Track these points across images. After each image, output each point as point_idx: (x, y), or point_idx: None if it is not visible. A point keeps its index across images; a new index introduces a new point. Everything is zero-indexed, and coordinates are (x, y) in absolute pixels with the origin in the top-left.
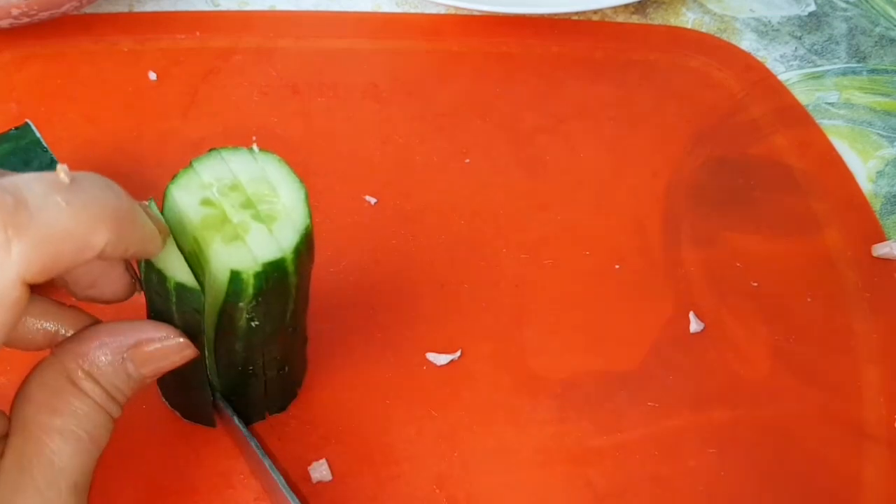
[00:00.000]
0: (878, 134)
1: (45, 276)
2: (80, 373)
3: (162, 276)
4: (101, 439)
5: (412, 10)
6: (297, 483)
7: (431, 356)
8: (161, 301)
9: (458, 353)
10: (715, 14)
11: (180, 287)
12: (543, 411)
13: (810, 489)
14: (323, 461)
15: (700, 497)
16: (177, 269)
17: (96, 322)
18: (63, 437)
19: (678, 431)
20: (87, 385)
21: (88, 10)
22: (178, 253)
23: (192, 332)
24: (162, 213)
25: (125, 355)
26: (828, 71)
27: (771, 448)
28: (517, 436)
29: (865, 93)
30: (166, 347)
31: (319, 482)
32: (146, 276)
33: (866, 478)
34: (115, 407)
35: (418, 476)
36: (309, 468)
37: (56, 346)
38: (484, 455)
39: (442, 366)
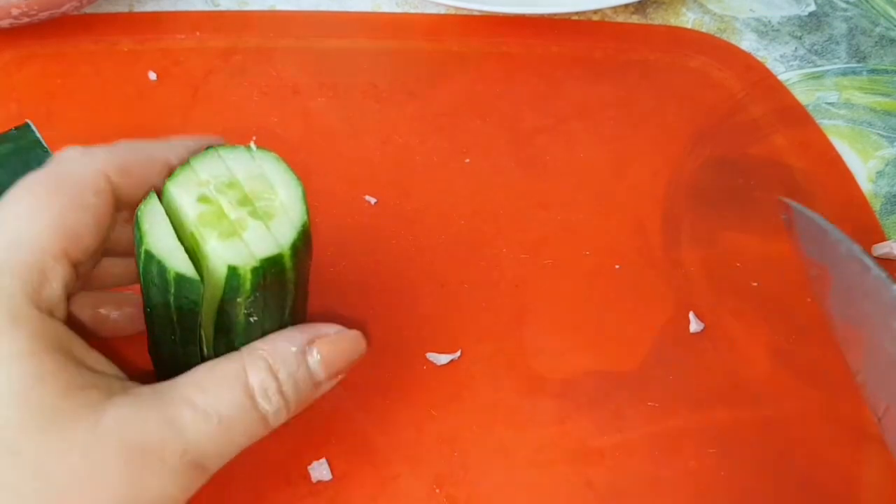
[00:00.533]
0: (878, 134)
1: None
2: (260, 381)
3: (162, 267)
4: (234, 437)
5: (412, 10)
6: (297, 482)
7: (431, 356)
8: (158, 293)
9: (459, 353)
10: (715, 14)
11: (179, 277)
12: (543, 411)
13: (810, 489)
14: (323, 461)
15: (700, 497)
16: (177, 260)
17: None
18: (205, 416)
19: (678, 431)
20: (273, 395)
21: (88, 10)
22: (179, 244)
23: (189, 326)
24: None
25: (301, 347)
26: (828, 71)
27: (771, 448)
28: (517, 436)
29: (865, 93)
30: (343, 338)
31: (319, 482)
32: (145, 267)
33: (866, 478)
34: (281, 411)
35: (418, 476)
36: (309, 468)
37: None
38: (484, 455)
39: (442, 365)
